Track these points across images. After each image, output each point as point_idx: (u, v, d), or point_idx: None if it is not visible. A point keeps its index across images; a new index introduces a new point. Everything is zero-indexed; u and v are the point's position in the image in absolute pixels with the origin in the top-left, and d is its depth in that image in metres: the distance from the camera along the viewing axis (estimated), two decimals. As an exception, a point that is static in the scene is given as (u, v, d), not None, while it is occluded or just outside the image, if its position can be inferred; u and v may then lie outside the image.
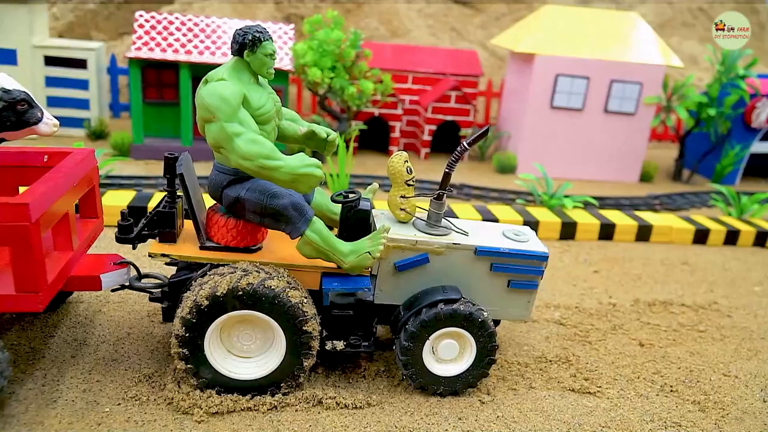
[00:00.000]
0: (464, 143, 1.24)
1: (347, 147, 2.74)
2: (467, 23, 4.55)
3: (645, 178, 3.22)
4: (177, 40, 2.66)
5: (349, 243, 1.20)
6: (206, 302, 1.11)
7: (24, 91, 1.10)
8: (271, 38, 1.13)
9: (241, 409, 1.18)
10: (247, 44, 1.10)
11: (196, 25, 2.72)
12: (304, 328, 1.16)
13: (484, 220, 2.17)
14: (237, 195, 1.16)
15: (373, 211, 1.32)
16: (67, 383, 1.21)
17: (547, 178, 2.52)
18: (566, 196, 2.49)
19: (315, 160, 1.11)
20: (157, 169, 2.57)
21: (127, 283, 1.29)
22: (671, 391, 1.39)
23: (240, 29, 1.12)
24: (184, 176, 1.18)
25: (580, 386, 1.37)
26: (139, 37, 2.64)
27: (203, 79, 1.12)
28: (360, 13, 4.27)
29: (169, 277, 1.28)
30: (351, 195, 1.27)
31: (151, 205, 1.99)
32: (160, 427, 1.12)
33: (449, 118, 3.12)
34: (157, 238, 1.24)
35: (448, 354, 1.26)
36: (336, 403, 1.22)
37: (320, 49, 2.68)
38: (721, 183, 3.24)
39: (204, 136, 1.12)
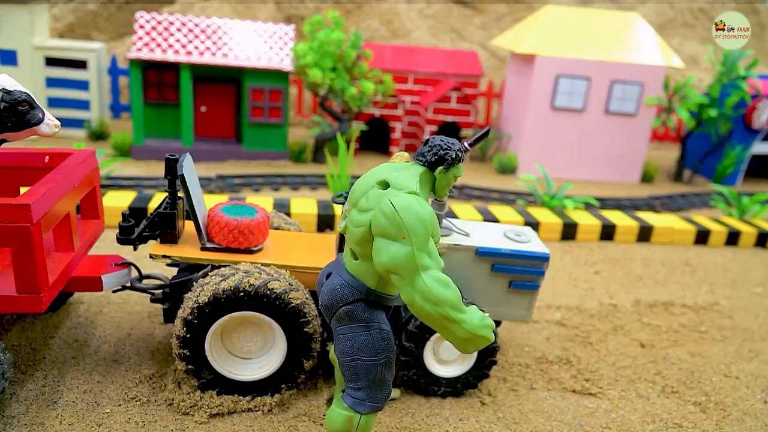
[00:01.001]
0: (465, 144, 1.24)
1: (348, 148, 2.74)
2: (468, 24, 4.55)
3: (646, 178, 3.22)
4: (177, 40, 2.67)
5: None
6: (208, 303, 1.11)
7: (25, 92, 1.10)
8: None
9: (242, 410, 1.18)
10: (447, 161, 0.94)
11: (196, 25, 2.72)
12: (305, 329, 1.16)
13: (485, 220, 2.17)
14: (363, 320, 0.95)
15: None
16: (68, 384, 1.21)
17: (547, 179, 2.52)
18: (567, 197, 2.49)
19: (491, 321, 0.90)
20: (157, 169, 2.57)
21: (128, 284, 1.29)
22: (672, 392, 1.39)
23: (442, 141, 0.95)
24: (185, 177, 1.18)
25: (581, 387, 1.37)
26: (140, 38, 2.64)
27: (382, 179, 0.94)
28: (360, 13, 4.27)
29: (170, 278, 1.28)
30: (352, 196, 1.27)
31: (152, 206, 1.99)
32: (160, 428, 1.12)
33: (450, 118, 3.12)
34: (158, 239, 1.24)
35: (449, 355, 1.26)
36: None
37: (321, 50, 2.68)
38: (722, 184, 3.23)
39: (361, 247, 0.93)
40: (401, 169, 0.96)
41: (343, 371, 0.97)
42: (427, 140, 0.97)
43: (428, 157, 0.96)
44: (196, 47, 2.66)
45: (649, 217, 2.45)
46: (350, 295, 0.94)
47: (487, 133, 1.25)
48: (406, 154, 1.26)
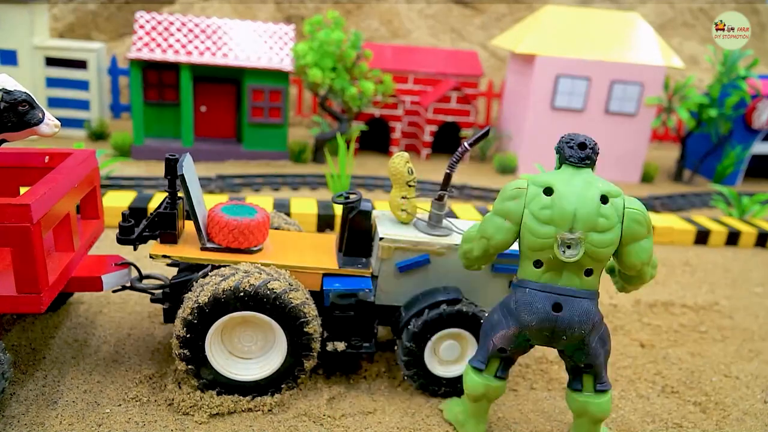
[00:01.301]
0: (465, 144, 1.24)
1: (348, 148, 2.74)
2: (468, 24, 4.55)
3: (646, 178, 3.22)
4: (177, 40, 2.67)
5: None
6: (208, 303, 1.11)
7: (25, 92, 1.10)
8: None
9: (242, 410, 1.17)
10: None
11: (196, 25, 2.72)
12: (305, 329, 1.16)
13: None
14: (601, 317, 1.06)
15: (373, 211, 1.32)
16: (68, 384, 1.21)
17: (547, 179, 2.51)
18: (567, 197, 2.48)
19: None
20: (157, 169, 2.57)
21: (128, 284, 1.29)
22: (672, 392, 1.39)
23: (592, 139, 1.07)
24: (185, 177, 1.18)
25: (582, 387, 1.36)
26: (140, 38, 2.64)
27: (600, 195, 0.99)
28: (360, 13, 4.27)
29: (170, 278, 1.28)
30: (352, 196, 1.27)
31: (152, 205, 1.99)
32: (161, 427, 1.12)
33: (450, 118, 3.12)
34: (158, 239, 1.24)
35: (449, 355, 1.26)
36: (337, 404, 1.21)
37: (321, 50, 2.68)
38: (722, 184, 3.23)
39: (603, 263, 1.01)
40: (585, 180, 1.02)
41: (599, 370, 1.08)
42: (583, 143, 1.06)
43: (595, 158, 1.06)
44: (196, 47, 2.66)
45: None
46: (597, 307, 1.04)
47: (486, 133, 1.26)
48: (406, 154, 1.27)
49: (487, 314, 1.16)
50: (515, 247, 1.28)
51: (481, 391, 1.11)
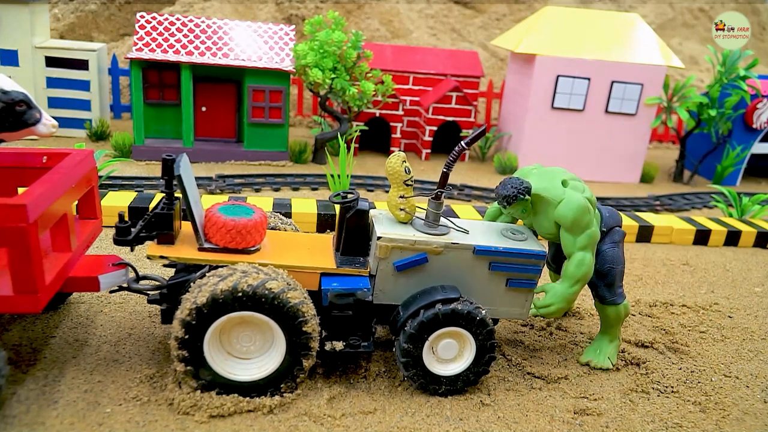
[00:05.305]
0: (462, 143, 1.24)
1: (348, 148, 2.74)
2: (468, 24, 4.55)
3: (646, 178, 3.22)
4: (178, 41, 2.67)
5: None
6: (206, 304, 1.11)
7: (22, 92, 1.11)
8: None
9: (243, 411, 1.17)
10: None
11: (197, 26, 2.73)
12: (303, 328, 1.16)
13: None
14: None
15: (371, 211, 1.32)
16: (69, 384, 1.21)
17: (547, 179, 2.51)
18: (567, 197, 2.48)
19: None
20: (158, 170, 2.57)
21: (126, 285, 1.29)
22: (672, 392, 1.39)
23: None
24: (182, 177, 1.18)
25: (582, 387, 1.36)
26: (140, 38, 2.65)
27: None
28: (361, 13, 4.27)
29: (167, 278, 1.28)
30: (349, 195, 1.28)
31: (153, 206, 1.99)
32: (161, 427, 1.12)
33: (450, 118, 3.12)
34: (155, 240, 1.24)
35: (447, 353, 1.26)
36: (337, 403, 1.21)
37: (321, 50, 2.68)
38: (722, 184, 3.23)
39: None
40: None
41: None
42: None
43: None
44: (197, 47, 2.66)
45: (648, 217, 2.45)
46: None
47: (483, 132, 1.26)
48: (402, 153, 1.27)
49: (606, 264, 1.39)
50: (512, 245, 1.29)
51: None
